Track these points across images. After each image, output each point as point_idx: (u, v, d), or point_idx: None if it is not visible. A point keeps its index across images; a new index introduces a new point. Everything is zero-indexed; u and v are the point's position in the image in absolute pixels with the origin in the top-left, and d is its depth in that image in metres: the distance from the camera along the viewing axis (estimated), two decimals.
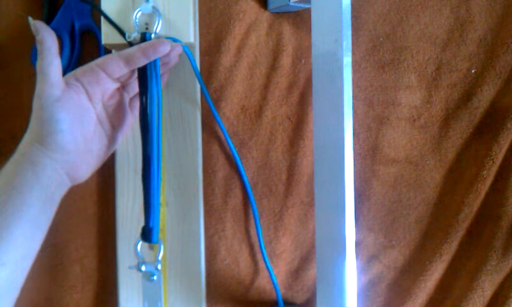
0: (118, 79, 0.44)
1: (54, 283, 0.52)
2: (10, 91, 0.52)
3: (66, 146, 0.40)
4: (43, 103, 0.39)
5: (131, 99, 0.47)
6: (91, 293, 0.52)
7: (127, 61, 0.42)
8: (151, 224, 0.44)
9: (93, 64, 0.43)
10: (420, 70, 0.51)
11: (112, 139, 0.46)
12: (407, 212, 0.51)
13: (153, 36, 0.45)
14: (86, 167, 0.43)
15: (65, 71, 0.49)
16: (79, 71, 0.42)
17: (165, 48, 0.43)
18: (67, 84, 0.41)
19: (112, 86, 0.44)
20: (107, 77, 0.43)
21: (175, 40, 0.46)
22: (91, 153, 0.43)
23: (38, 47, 0.40)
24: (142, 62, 0.43)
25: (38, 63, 0.39)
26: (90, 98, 0.43)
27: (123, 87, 0.46)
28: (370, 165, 0.51)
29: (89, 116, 0.43)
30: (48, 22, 0.50)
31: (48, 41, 0.39)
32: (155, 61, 0.44)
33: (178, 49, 0.45)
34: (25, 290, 0.51)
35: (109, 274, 0.52)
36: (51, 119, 0.39)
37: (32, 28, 0.40)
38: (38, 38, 0.39)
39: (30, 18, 0.40)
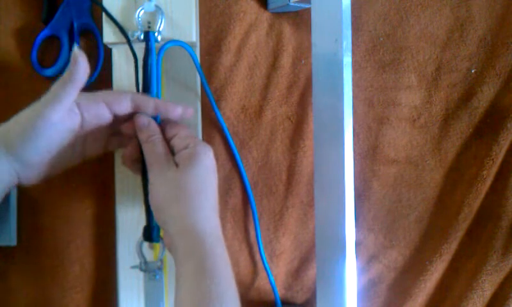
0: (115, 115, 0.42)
1: (54, 283, 0.52)
2: (10, 92, 0.52)
3: (33, 164, 0.39)
4: (38, 125, 0.38)
5: (111, 135, 0.44)
6: (91, 293, 0.52)
7: (138, 107, 0.41)
8: (153, 224, 0.44)
9: (100, 98, 0.41)
10: (420, 70, 0.51)
11: (74, 162, 0.43)
12: (407, 212, 0.51)
13: (156, 34, 0.45)
14: (38, 176, 0.41)
15: (63, 70, 0.49)
16: (83, 100, 0.40)
17: (176, 113, 0.42)
18: (68, 110, 0.39)
19: (108, 121, 0.42)
20: (109, 114, 0.41)
21: (180, 44, 0.46)
22: (49, 166, 0.41)
23: (68, 75, 0.38)
24: (150, 113, 0.42)
25: (58, 85, 0.38)
26: (81, 129, 0.41)
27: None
28: (370, 165, 0.51)
29: (68, 143, 0.41)
30: (47, 21, 0.50)
31: (82, 77, 0.38)
32: (156, 62, 0.44)
33: (190, 111, 0.43)
34: (25, 290, 0.52)
35: (109, 274, 0.51)
36: (36, 142, 0.38)
37: (73, 55, 0.38)
38: (74, 67, 0.37)
39: (75, 47, 0.38)
